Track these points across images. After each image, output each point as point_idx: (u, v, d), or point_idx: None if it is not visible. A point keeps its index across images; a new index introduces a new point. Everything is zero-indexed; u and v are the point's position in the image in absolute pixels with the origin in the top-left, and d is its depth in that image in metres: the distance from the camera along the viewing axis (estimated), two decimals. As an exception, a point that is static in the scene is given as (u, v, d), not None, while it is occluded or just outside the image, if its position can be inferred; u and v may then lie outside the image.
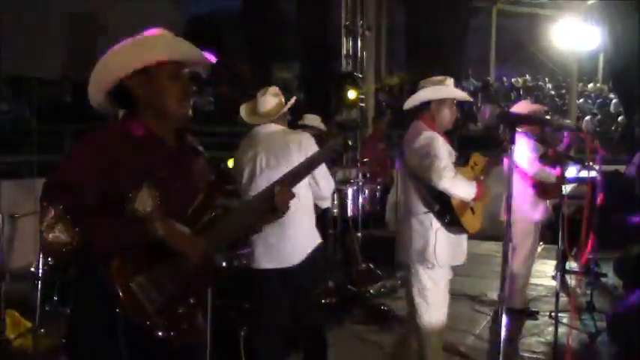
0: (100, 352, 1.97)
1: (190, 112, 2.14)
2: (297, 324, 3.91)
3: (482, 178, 3.75)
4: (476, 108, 15.27)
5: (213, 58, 2.23)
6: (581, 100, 16.67)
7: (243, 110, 3.88)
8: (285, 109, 3.80)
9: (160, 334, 1.95)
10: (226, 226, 2.16)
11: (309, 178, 3.63)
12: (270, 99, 3.78)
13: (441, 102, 3.74)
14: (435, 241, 3.64)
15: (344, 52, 10.23)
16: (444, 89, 3.77)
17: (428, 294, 3.75)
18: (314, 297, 4.10)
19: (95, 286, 1.93)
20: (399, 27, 14.41)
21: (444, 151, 3.63)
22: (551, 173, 5.52)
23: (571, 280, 7.00)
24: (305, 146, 3.64)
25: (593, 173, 6.59)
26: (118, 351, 1.91)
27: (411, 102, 3.82)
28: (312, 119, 6.13)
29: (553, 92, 18.20)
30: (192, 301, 2.06)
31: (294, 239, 3.67)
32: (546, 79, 19.14)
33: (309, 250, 3.73)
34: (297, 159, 3.30)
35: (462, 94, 3.98)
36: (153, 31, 2.14)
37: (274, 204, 2.18)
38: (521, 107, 5.71)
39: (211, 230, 2.12)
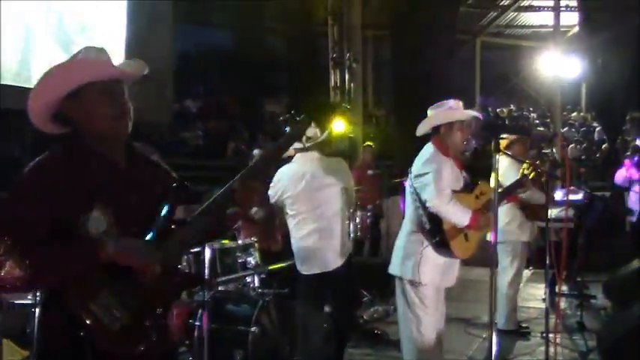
0: None
1: (129, 128, 2.12)
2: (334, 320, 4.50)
3: (484, 207, 3.85)
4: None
5: (144, 70, 2.24)
6: (565, 129, 16.95)
7: None
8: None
9: (129, 350, 1.97)
10: (187, 232, 2.15)
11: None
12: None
13: (451, 125, 3.86)
14: (420, 259, 3.76)
15: (332, 83, 10.44)
16: (452, 112, 3.90)
17: (416, 310, 3.87)
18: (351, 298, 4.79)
19: (58, 311, 1.93)
20: (384, 60, 14.67)
21: (445, 175, 3.75)
22: (541, 195, 5.65)
23: (561, 302, 7.13)
24: None
25: (579, 196, 6.77)
26: None
27: (422, 128, 3.97)
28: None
29: (538, 121, 18.51)
30: (158, 311, 2.07)
31: (334, 244, 4.25)
32: (530, 108, 19.49)
33: (347, 255, 4.32)
34: None
35: (469, 115, 4.01)
36: (80, 56, 2.12)
37: (235, 200, 2.14)
38: (505, 134, 5.87)
39: (171, 238, 2.10)
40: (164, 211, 2.12)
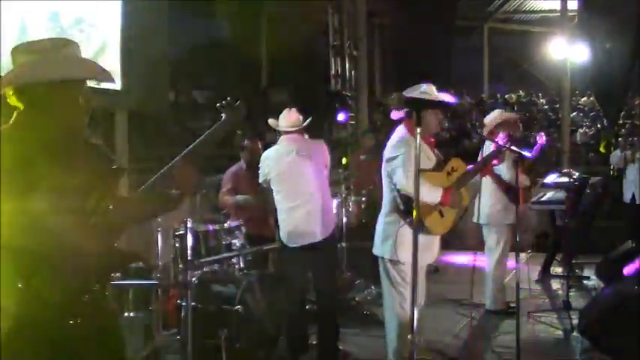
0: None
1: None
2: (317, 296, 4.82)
3: (456, 184, 3.96)
4: (470, 125, 15.49)
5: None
6: (574, 114, 16.87)
7: None
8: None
9: (68, 322, 2.10)
10: (125, 213, 2.26)
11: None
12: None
13: (425, 109, 3.97)
14: (397, 239, 3.88)
15: (332, 72, 10.53)
16: (426, 96, 4.00)
17: (398, 288, 4.00)
18: (334, 274, 5.02)
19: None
20: (391, 48, 14.70)
21: (413, 155, 3.86)
22: (526, 178, 5.74)
23: (553, 283, 7.22)
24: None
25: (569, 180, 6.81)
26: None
27: (397, 113, 4.08)
28: None
29: (547, 107, 18.43)
30: (96, 287, 2.19)
31: (317, 219, 4.54)
32: (539, 94, 19.39)
33: (330, 230, 4.62)
34: None
35: (442, 98, 4.06)
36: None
37: (175, 182, 2.28)
38: (494, 115, 5.96)
39: (111, 218, 2.19)
40: (103, 191, 2.21)
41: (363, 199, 7.12)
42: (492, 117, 5.91)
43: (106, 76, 2.25)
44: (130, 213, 2.32)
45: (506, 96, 18.77)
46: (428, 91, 3.93)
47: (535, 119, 17.55)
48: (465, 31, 18.31)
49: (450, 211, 3.95)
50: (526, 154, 4.33)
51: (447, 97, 3.99)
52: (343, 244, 6.64)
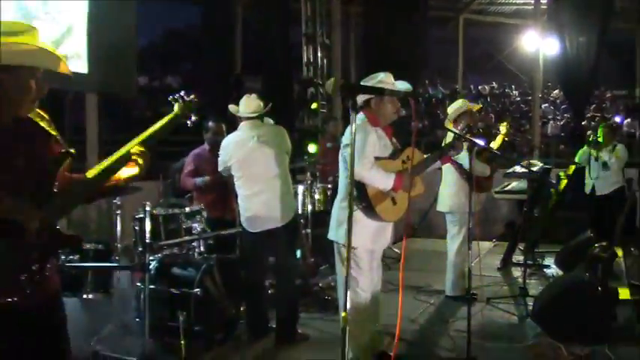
0: None
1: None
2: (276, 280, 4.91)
3: (409, 171, 4.02)
4: (442, 115, 15.60)
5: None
6: (545, 106, 17.10)
7: None
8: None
9: (5, 300, 2.14)
10: (70, 193, 2.33)
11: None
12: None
13: (381, 97, 4.02)
14: (349, 224, 3.93)
15: (304, 60, 10.55)
16: (382, 84, 4.04)
17: (352, 272, 4.05)
18: (294, 258, 5.11)
19: None
20: (365, 37, 14.71)
21: (370, 144, 3.93)
22: (486, 168, 5.84)
23: (514, 271, 7.36)
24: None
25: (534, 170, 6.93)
26: None
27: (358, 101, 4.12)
28: None
29: (519, 99, 18.65)
30: (34, 267, 2.22)
31: (277, 204, 4.62)
32: (512, 86, 19.59)
33: (291, 215, 4.70)
34: None
35: (396, 88, 4.06)
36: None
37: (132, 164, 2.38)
38: (457, 105, 6.03)
39: (54, 198, 2.27)
40: (49, 173, 2.28)
41: (329, 186, 7.18)
42: (455, 107, 5.99)
43: (57, 65, 2.27)
44: (73, 195, 2.36)
45: (480, 87, 18.96)
46: (385, 79, 3.98)
47: (507, 111, 17.75)
48: (440, 22, 18.39)
49: (403, 199, 4.00)
50: (479, 142, 4.37)
51: (404, 86, 4.04)
52: (308, 231, 6.70)
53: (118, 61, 6.89)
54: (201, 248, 4.75)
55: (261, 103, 4.82)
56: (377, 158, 3.91)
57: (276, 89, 10.58)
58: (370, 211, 3.91)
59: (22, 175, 2.22)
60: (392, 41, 12.38)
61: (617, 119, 16.28)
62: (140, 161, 2.41)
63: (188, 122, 2.73)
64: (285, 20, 11.16)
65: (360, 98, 4.10)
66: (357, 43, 17.18)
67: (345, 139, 4.00)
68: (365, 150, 3.83)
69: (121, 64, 7.01)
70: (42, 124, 2.38)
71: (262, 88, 11.37)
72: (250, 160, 4.68)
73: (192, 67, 15.91)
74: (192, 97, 2.72)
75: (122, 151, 2.40)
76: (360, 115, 4.07)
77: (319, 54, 10.77)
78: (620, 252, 7.40)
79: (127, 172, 2.44)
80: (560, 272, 6.84)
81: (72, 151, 2.37)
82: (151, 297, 4.20)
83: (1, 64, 2.14)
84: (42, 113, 2.39)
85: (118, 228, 4.53)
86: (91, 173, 2.38)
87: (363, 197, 3.88)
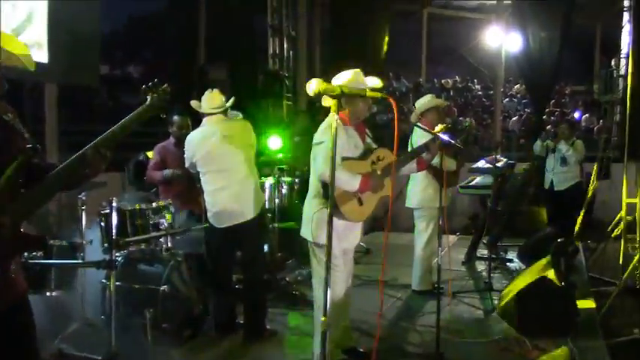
0: None
1: None
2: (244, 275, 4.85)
3: (378, 172, 4.01)
4: (407, 109, 15.70)
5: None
6: (507, 101, 17.35)
7: None
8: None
9: None
10: (34, 194, 2.26)
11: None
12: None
13: (352, 95, 3.98)
14: (317, 223, 3.94)
15: (270, 51, 10.47)
16: (352, 84, 4.01)
17: (324, 269, 4.04)
18: (262, 253, 5.06)
19: None
20: (331, 30, 14.67)
21: (339, 144, 3.89)
22: (453, 162, 5.88)
23: (478, 265, 7.47)
24: None
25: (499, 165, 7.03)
26: None
27: (326, 100, 4.08)
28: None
29: (481, 93, 18.88)
30: None
31: (245, 200, 4.60)
32: (475, 80, 19.83)
33: (258, 209, 4.67)
34: None
35: (367, 85, 4.00)
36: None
37: (88, 166, 2.30)
38: (425, 101, 6.06)
39: (19, 198, 2.20)
40: (13, 170, 2.20)
41: (297, 180, 7.16)
42: (422, 102, 6.00)
43: (12, 59, 2.20)
44: (39, 196, 2.29)
45: (443, 81, 19.12)
46: (355, 77, 3.96)
47: (470, 105, 17.96)
48: (404, 15, 18.47)
49: (370, 199, 4.00)
50: (449, 139, 4.40)
51: (374, 83, 4.02)
52: (275, 225, 6.66)
53: (80, 50, 6.70)
54: (169, 244, 4.67)
55: (223, 98, 4.78)
56: (345, 158, 3.90)
57: (241, 80, 10.47)
58: (335, 210, 3.91)
59: None
60: (356, 34, 12.41)
61: (576, 114, 16.65)
62: (97, 162, 2.32)
63: (162, 115, 2.61)
64: (249, 10, 11.03)
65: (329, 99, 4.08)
66: (322, 35, 17.12)
67: (316, 138, 3.98)
68: (331, 149, 3.80)
69: (84, 53, 6.82)
70: (7, 117, 2.31)
71: (227, 79, 11.24)
72: (215, 155, 4.64)
73: (154, 56, 15.62)
74: (165, 86, 2.55)
75: (83, 151, 2.30)
76: (332, 113, 4.05)
77: (285, 45, 10.69)
78: (579, 245, 7.62)
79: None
80: (523, 266, 6.96)
81: (38, 146, 2.30)
82: (117, 294, 4.13)
83: None
84: (6, 106, 2.31)
85: (83, 223, 4.42)
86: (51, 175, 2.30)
87: (328, 197, 3.88)
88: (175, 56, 14.52)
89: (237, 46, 10.97)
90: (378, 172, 4.01)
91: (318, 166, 3.88)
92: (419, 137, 5.54)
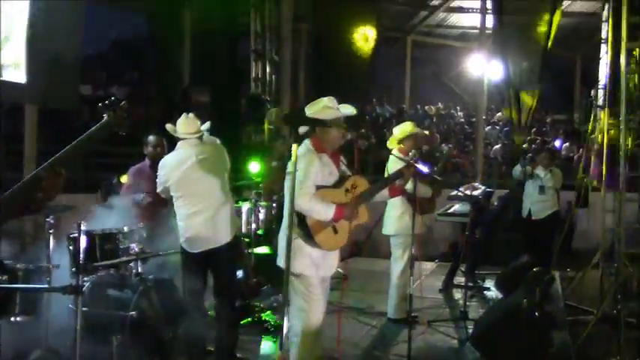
0: None
1: None
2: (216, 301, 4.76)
3: (352, 201, 3.99)
4: (389, 133, 15.72)
5: None
6: (488, 128, 17.48)
7: None
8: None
9: None
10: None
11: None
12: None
13: (325, 122, 3.96)
14: (291, 252, 3.90)
15: (253, 75, 10.50)
16: (326, 111, 4.00)
17: (303, 297, 4.01)
18: (235, 280, 5.02)
19: None
20: (315, 56, 14.79)
21: (312, 173, 3.89)
22: (428, 190, 5.88)
23: (455, 293, 7.43)
24: None
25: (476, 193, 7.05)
26: None
27: (302, 128, 4.09)
28: None
29: (463, 120, 19.02)
30: None
31: (219, 225, 4.56)
32: (458, 107, 20.00)
33: (231, 235, 4.64)
34: None
35: (341, 113, 4.04)
36: None
37: (42, 187, 2.24)
38: (403, 128, 6.07)
39: None
40: None
41: (274, 204, 7.13)
42: (401, 129, 6.01)
43: None
44: None
45: (426, 107, 19.25)
46: (329, 104, 3.96)
47: (452, 132, 18.08)
48: (388, 42, 18.67)
49: (345, 227, 3.98)
50: (424, 168, 4.40)
51: (348, 110, 4.03)
52: (251, 250, 6.61)
53: (59, 71, 6.67)
54: (139, 269, 4.60)
55: (199, 123, 4.76)
56: (320, 187, 3.88)
57: (223, 104, 10.47)
58: (310, 239, 3.89)
59: None
60: (340, 59, 12.52)
61: (557, 143, 16.80)
62: (51, 184, 2.26)
63: (121, 132, 2.55)
64: (233, 34, 11.08)
65: (304, 128, 4.09)
66: (307, 61, 17.25)
67: (289, 167, 3.96)
68: (306, 180, 3.80)
69: (63, 74, 6.79)
70: None
71: (209, 102, 11.25)
72: (189, 179, 4.60)
73: (138, 79, 15.62)
74: (122, 103, 2.52)
75: (37, 171, 2.26)
76: (306, 141, 4.05)
77: (268, 69, 10.73)
78: (556, 275, 7.61)
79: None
80: (500, 295, 6.94)
81: None
82: (84, 320, 4.04)
83: None
84: None
85: (51, 247, 4.34)
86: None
87: (302, 226, 3.87)
88: (159, 78, 14.55)
89: (220, 70, 11.00)
90: (353, 200, 3.99)
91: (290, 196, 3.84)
92: (393, 164, 5.54)
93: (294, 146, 2.20)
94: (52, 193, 2.28)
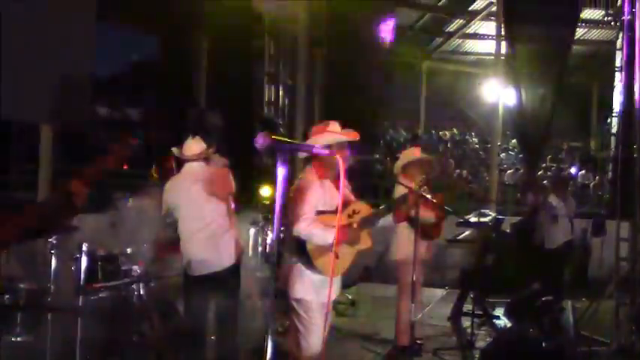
0: None
1: None
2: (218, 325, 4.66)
3: (354, 226, 3.96)
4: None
5: None
6: (504, 155, 17.41)
7: None
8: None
9: None
10: (9, 231, 2.25)
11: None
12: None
13: (328, 147, 3.95)
14: (292, 276, 3.89)
15: (266, 98, 10.57)
16: (325, 136, 4.00)
17: (299, 322, 3.97)
18: (237, 304, 4.82)
19: None
20: (330, 80, 14.86)
21: (313, 199, 3.87)
22: (431, 215, 5.79)
23: (464, 321, 7.31)
24: None
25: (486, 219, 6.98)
26: None
27: (302, 153, 4.10)
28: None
29: (478, 146, 18.98)
30: None
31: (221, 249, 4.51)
32: (472, 133, 19.97)
33: (233, 260, 4.57)
34: None
35: (340, 137, 4.06)
36: None
37: (69, 199, 2.32)
38: (408, 154, 6.04)
39: None
40: None
41: (283, 229, 7.09)
42: (405, 155, 5.97)
43: None
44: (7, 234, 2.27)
45: (441, 133, 19.25)
46: (331, 129, 3.96)
47: (466, 157, 18.03)
48: (404, 68, 18.76)
49: (347, 252, 3.95)
50: (427, 194, 4.36)
51: (350, 136, 4.02)
52: (258, 274, 6.57)
53: (71, 92, 6.74)
54: (141, 291, 4.59)
55: (204, 146, 4.73)
56: (320, 212, 3.85)
57: (236, 127, 10.52)
58: (310, 264, 3.85)
59: None
60: (355, 84, 12.57)
61: (573, 170, 16.69)
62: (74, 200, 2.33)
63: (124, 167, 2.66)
64: (248, 57, 11.18)
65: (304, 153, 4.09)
66: (322, 85, 17.34)
67: (290, 193, 3.95)
68: (305, 206, 3.78)
69: (75, 95, 6.86)
70: None
71: (223, 125, 11.32)
72: (191, 202, 4.57)
73: (154, 100, 15.76)
74: (131, 138, 2.63)
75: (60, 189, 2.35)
76: (308, 167, 4.05)
77: (281, 93, 10.81)
78: (568, 305, 7.47)
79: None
80: (509, 324, 6.82)
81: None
82: (84, 341, 4.03)
83: None
84: None
85: (53, 267, 4.34)
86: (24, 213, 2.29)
87: (302, 251, 3.83)
88: (174, 100, 14.69)
89: (233, 93, 11.10)
90: (355, 225, 3.96)
91: (291, 222, 3.84)
92: (398, 190, 5.49)
93: (279, 170, 2.18)
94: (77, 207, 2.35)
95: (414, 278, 4.45)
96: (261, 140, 2.12)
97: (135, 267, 4.59)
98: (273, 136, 2.13)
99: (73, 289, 4.29)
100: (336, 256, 3.92)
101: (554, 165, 16.59)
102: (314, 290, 3.96)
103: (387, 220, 4.40)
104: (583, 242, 8.75)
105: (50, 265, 4.33)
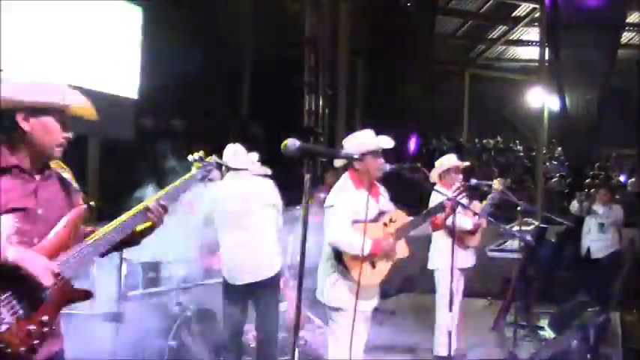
0: None
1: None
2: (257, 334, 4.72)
3: (391, 235, 3.95)
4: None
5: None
6: (549, 163, 17.03)
7: None
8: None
9: (9, 351, 2.08)
10: (88, 248, 2.32)
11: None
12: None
13: (363, 155, 3.95)
14: (330, 285, 3.89)
15: (306, 108, 10.62)
16: (361, 143, 4.01)
17: (336, 331, 3.97)
18: (276, 313, 4.83)
19: None
20: (372, 89, 14.84)
21: (347, 206, 3.87)
22: (466, 222, 5.70)
23: (507, 332, 7.17)
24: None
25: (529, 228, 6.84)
26: None
27: (337, 161, 4.13)
28: None
29: (522, 154, 18.62)
30: (44, 319, 2.18)
31: (261, 260, 4.52)
32: (517, 141, 19.62)
33: (274, 269, 4.58)
34: None
35: (373, 145, 4.04)
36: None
37: (149, 218, 2.44)
38: (444, 161, 5.98)
39: (72, 253, 2.26)
40: (62, 225, 2.29)
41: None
42: (442, 162, 5.91)
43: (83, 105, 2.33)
44: (93, 250, 2.34)
45: (484, 141, 18.98)
46: (366, 136, 3.96)
47: (511, 166, 17.70)
48: (446, 76, 18.61)
49: (384, 262, 3.93)
50: (464, 202, 4.31)
51: (385, 142, 4.01)
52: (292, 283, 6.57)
53: (116, 104, 6.92)
54: (180, 298, 4.65)
55: (249, 155, 4.76)
56: (356, 221, 3.84)
57: (276, 137, 10.60)
58: (347, 274, 3.85)
59: (44, 228, 2.25)
60: (398, 93, 12.52)
61: (622, 178, 16.20)
62: (155, 215, 2.46)
63: (205, 184, 2.79)
64: (288, 67, 11.27)
65: (340, 161, 4.12)
66: (363, 94, 17.34)
67: (328, 201, 3.96)
68: (341, 214, 3.79)
69: (119, 107, 7.04)
70: (65, 174, 2.41)
71: (264, 135, 11.43)
72: (232, 212, 4.58)
73: (199, 111, 16.01)
74: (211, 157, 2.76)
75: (138, 207, 2.45)
76: (345, 175, 4.06)
77: (321, 103, 10.84)
78: (616, 316, 7.25)
79: (141, 225, 2.49)
80: (554, 335, 6.65)
81: (92, 203, 2.42)
82: (124, 347, 4.10)
83: (28, 106, 2.18)
84: (62, 164, 2.43)
85: (94, 273, 4.44)
86: (105, 229, 2.38)
87: (339, 260, 3.84)
88: (219, 112, 14.88)
89: (273, 103, 11.20)
90: (391, 235, 3.94)
91: (327, 233, 3.84)
92: (435, 197, 5.43)
93: (306, 177, 2.20)
94: (157, 225, 2.51)
95: (453, 287, 4.37)
96: (291, 146, 2.14)
97: (175, 274, 4.66)
98: (300, 142, 2.15)
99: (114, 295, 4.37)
100: (373, 266, 3.91)
101: (602, 173, 16.13)
102: (352, 299, 3.94)
103: (425, 228, 4.38)
104: (631, 252, 8.47)
105: (90, 272, 4.42)
